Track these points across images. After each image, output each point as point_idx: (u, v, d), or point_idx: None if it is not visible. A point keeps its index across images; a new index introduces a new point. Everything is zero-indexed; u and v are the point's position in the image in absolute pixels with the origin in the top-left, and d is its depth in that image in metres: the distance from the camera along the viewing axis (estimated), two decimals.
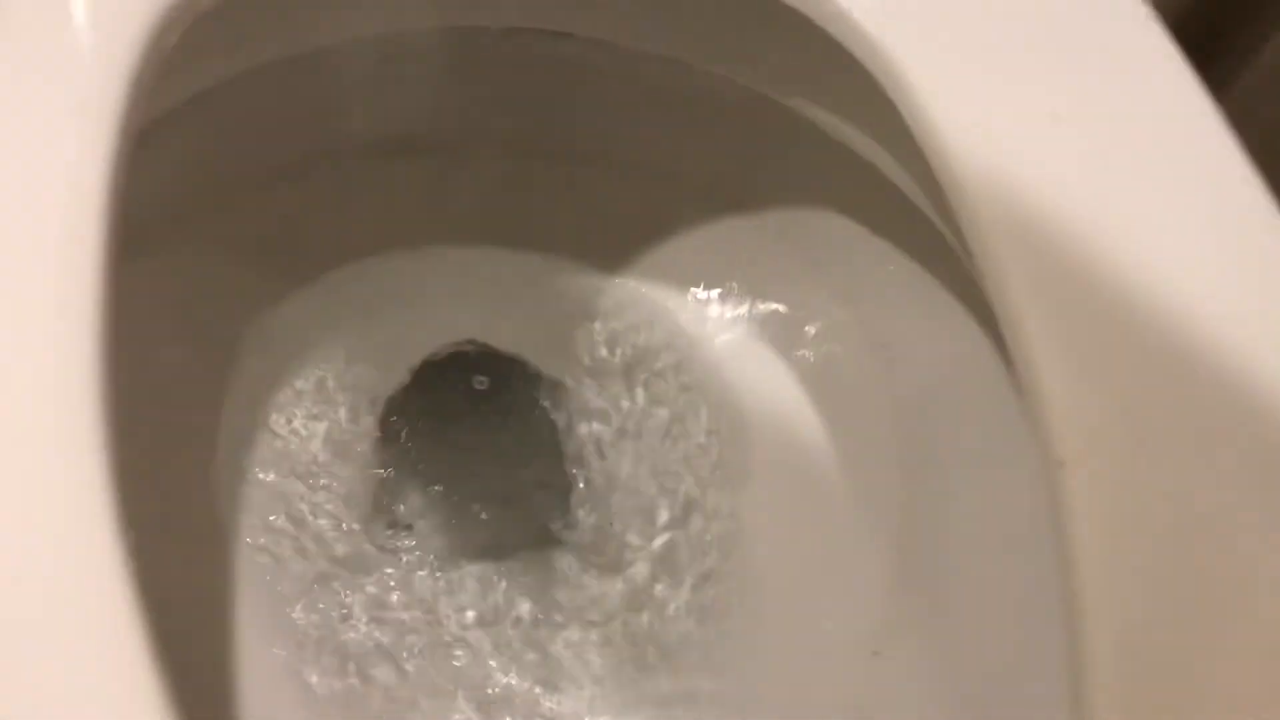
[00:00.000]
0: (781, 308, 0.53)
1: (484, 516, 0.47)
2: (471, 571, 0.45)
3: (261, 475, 0.46)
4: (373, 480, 0.47)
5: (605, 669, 0.44)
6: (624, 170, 0.53)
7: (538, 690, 0.43)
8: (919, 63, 0.35)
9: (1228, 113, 0.34)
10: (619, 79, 0.50)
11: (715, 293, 0.53)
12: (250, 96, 0.44)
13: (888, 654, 0.43)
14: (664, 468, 0.49)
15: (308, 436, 0.47)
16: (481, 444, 0.50)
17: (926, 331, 0.48)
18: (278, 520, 0.45)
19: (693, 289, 0.53)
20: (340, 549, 0.45)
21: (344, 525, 0.46)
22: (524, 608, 0.45)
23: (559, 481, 0.48)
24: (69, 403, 0.26)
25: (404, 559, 0.45)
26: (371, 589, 0.44)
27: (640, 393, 0.51)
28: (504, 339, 0.51)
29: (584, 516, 0.48)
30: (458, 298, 0.53)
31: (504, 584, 0.45)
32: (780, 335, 0.52)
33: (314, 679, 0.42)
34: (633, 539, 0.47)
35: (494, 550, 0.46)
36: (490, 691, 0.43)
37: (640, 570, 0.46)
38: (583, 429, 0.50)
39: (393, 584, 0.45)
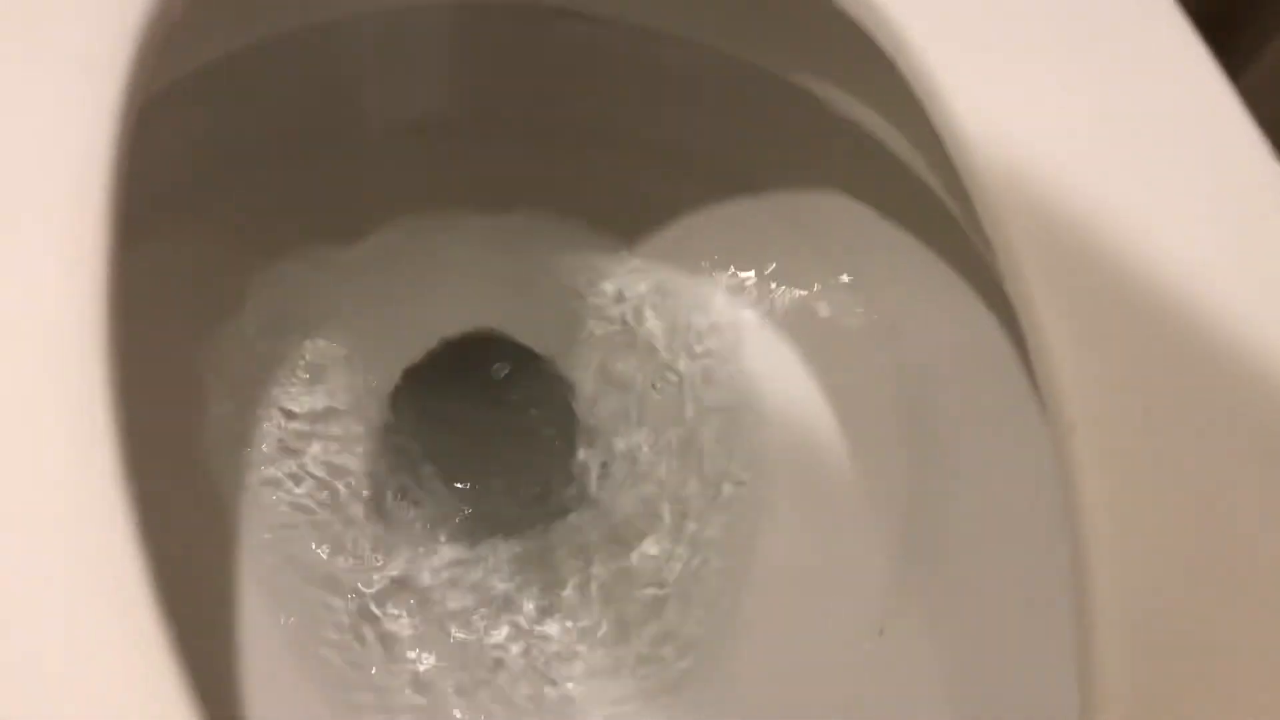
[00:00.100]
0: (789, 288, 0.53)
1: (495, 496, 0.47)
2: (480, 550, 0.45)
3: (268, 451, 0.46)
4: (382, 458, 0.47)
5: (609, 647, 0.44)
6: (632, 150, 0.53)
7: (541, 664, 0.43)
8: (931, 37, 0.35)
9: None
10: (627, 57, 0.49)
11: (724, 273, 0.53)
12: (258, 71, 0.44)
13: (893, 632, 0.43)
14: (672, 447, 0.49)
15: (316, 414, 0.47)
16: (493, 426, 0.50)
17: (933, 312, 0.48)
18: (284, 495, 0.45)
19: (701, 269, 0.53)
20: (347, 524, 0.45)
21: (352, 501, 0.46)
22: (531, 586, 0.45)
23: (569, 460, 0.48)
24: (76, 381, 0.26)
25: (412, 536, 0.45)
26: (379, 563, 0.44)
27: (649, 372, 0.51)
28: (512, 319, 0.51)
29: (593, 494, 0.48)
30: (466, 278, 0.52)
31: (512, 562, 0.45)
32: (788, 315, 0.52)
33: (319, 651, 0.42)
34: (641, 517, 0.47)
35: (504, 528, 0.46)
36: (491, 670, 0.43)
37: (649, 548, 0.46)
38: (593, 409, 0.50)
39: (401, 559, 0.45)
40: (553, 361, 0.51)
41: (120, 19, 0.32)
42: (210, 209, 0.47)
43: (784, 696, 0.43)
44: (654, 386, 0.50)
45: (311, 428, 0.47)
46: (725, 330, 0.52)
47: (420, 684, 0.42)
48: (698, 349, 0.52)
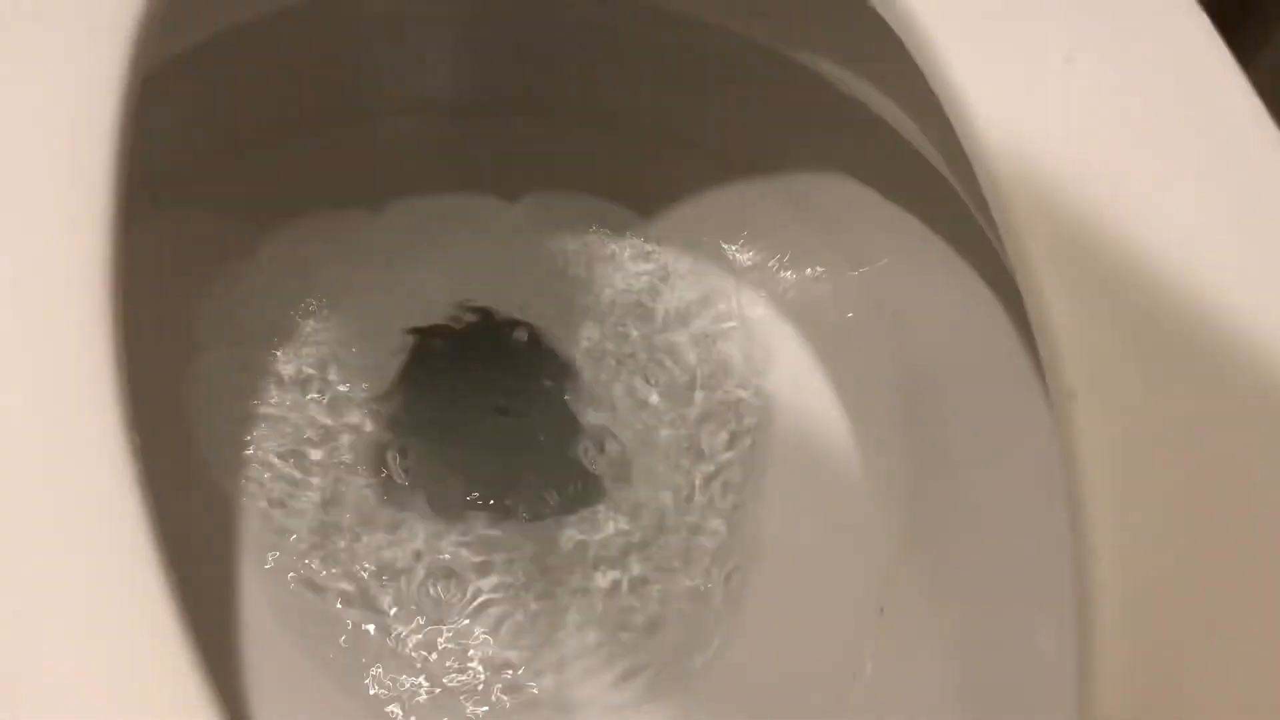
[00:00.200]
0: (793, 271, 0.53)
1: (497, 481, 0.47)
2: (475, 526, 0.45)
3: (266, 428, 0.46)
4: (378, 433, 0.47)
5: (609, 626, 0.44)
6: (637, 131, 0.53)
7: (538, 644, 0.43)
8: (940, 15, 0.35)
9: None
10: (636, 38, 0.49)
11: (729, 255, 0.53)
12: (263, 46, 0.44)
13: (894, 611, 0.43)
14: (674, 427, 0.49)
15: (320, 391, 0.47)
16: (495, 408, 0.50)
17: (938, 297, 0.48)
18: (278, 472, 0.45)
19: (707, 251, 0.53)
20: (342, 500, 0.45)
21: (347, 476, 0.46)
22: (528, 561, 0.45)
23: (572, 444, 0.48)
24: (82, 362, 0.26)
25: (407, 512, 0.45)
26: (374, 538, 0.44)
27: (652, 354, 0.51)
28: (515, 301, 0.51)
29: (594, 479, 0.48)
30: (469, 257, 0.52)
31: (512, 550, 0.45)
32: (792, 298, 0.52)
33: (315, 628, 0.42)
34: (643, 495, 0.47)
35: (505, 516, 0.46)
36: (492, 648, 0.43)
37: (650, 525, 0.46)
38: (594, 391, 0.50)
39: (397, 533, 0.45)
40: (555, 341, 0.51)
41: None
42: (218, 183, 0.47)
43: (786, 669, 0.43)
44: (657, 367, 0.50)
45: (315, 406, 0.47)
46: (729, 313, 0.52)
47: (424, 673, 0.42)
48: (701, 331, 0.52)
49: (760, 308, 0.52)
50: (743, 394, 0.50)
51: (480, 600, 0.44)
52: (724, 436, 0.49)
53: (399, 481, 0.46)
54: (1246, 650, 0.27)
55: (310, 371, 0.48)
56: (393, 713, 0.40)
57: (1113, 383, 0.29)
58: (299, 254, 0.50)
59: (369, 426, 0.47)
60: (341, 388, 0.48)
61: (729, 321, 0.52)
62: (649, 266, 0.53)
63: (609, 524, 0.46)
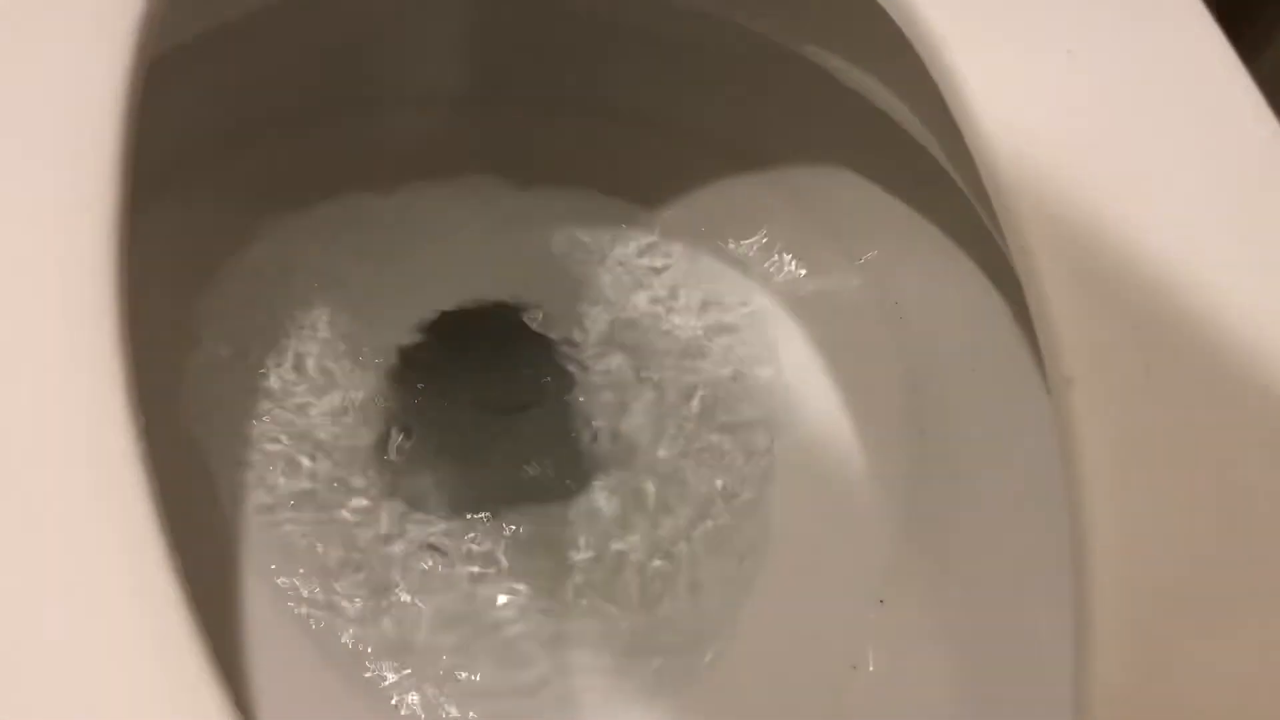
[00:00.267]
0: (795, 263, 0.53)
1: (500, 469, 0.47)
2: (479, 519, 0.46)
3: (269, 419, 0.46)
4: (380, 427, 0.47)
5: (611, 619, 0.44)
6: (639, 124, 0.53)
7: (541, 638, 0.43)
8: (941, 7, 0.35)
9: None
10: (635, 30, 0.49)
11: (731, 247, 0.53)
12: (265, 37, 0.44)
13: (893, 602, 0.44)
14: (676, 420, 0.49)
15: (313, 385, 0.47)
16: (497, 397, 0.50)
17: (939, 289, 0.48)
18: (282, 463, 0.45)
19: (709, 243, 0.53)
20: (343, 495, 0.45)
21: (348, 470, 0.46)
22: (531, 555, 0.45)
23: (575, 433, 0.49)
24: (89, 354, 0.26)
25: (410, 506, 0.45)
26: (379, 530, 0.44)
27: (655, 344, 0.51)
28: (519, 290, 0.51)
29: (598, 467, 0.48)
30: (473, 248, 0.53)
31: (518, 537, 0.45)
32: (794, 290, 0.52)
33: (315, 615, 0.42)
34: (645, 485, 0.47)
35: (508, 502, 0.46)
36: (493, 638, 0.43)
37: (651, 516, 0.46)
38: (597, 382, 0.50)
39: (401, 524, 0.45)
40: (558, 334, 0.51)
41: None
42: (220, 174, 0.47)
43: (787, 660, 0.43)
44: (659, 360, 0.50)
45: (315, 399, 0.47)
46: (731, 305, 0.52)
47: (427, 667, 0.42)
48: (703, 323, 0.52)
49: (762, 300, 0.52)
50: (744, 386, 0.50)
51: (483, 594, 0.44)
52: (725, 429, 0.49)
53: (401, 475, 0.46)
54: (1244, 636, 0.27)
55: (310, 364, 0.48)
56: (397, 707, 0.41)
57: (1111, 371, 0.29)
58: (301, 246, 0.50)
59: (370, 419, 0.47)
60: (342, 381, 0.48)
61: (731, 314, 0.52)
62: (651, 260, 0.53)
63: (611, 517, 0.46)
